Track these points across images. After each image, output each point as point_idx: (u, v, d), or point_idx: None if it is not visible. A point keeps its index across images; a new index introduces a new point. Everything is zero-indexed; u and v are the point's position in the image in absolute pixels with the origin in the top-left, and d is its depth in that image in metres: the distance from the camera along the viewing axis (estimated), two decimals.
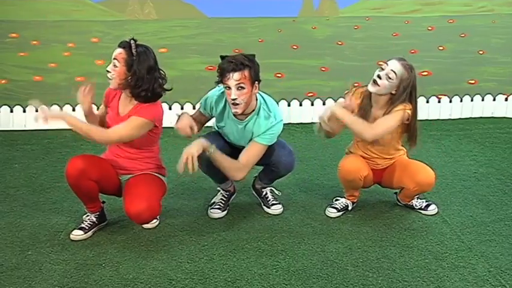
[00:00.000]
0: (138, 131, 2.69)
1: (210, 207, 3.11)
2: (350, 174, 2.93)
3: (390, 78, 2.73)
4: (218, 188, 3.17)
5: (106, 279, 2.43)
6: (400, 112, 2.76)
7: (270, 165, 2.98)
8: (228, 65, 2.64)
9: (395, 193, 3.20)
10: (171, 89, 2.78)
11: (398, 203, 3.19)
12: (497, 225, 2.93)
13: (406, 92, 2.76)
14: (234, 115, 2.82)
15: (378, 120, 2.80)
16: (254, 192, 3.26)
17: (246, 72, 2.65)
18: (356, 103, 2.87)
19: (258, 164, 2.98)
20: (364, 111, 2.86)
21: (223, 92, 2.81)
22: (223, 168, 2.78)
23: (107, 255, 2.64)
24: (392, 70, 2.73)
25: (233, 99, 2.67)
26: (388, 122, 2.77)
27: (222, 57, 2.72)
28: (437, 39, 5.17)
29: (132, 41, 2.70)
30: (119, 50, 2.68)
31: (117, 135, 2.70)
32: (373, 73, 2.81)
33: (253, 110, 2.81)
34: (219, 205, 3.10)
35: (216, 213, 3.07)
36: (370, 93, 2.84)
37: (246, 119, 2.82)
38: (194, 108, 4.98)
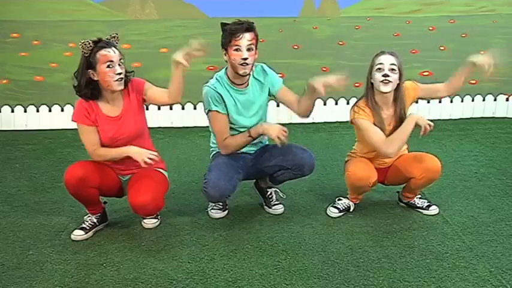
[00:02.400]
0: None
1: (210, 209, 3.10)
2: (360, 181, 2.92)
3: (394, 70, 2.79)
4: None
5: (107, 279, 2.43)
6: (415, 82, 2.98)
7: (292, 169, 2.95)
8: (240, 26, 2.71)
9: (398, 191, 3.20)
10: None
11: (400, 203, 3.19)
12: (498, 226, 2.92)
13: (403, 75, 2.85)
14: (233, 85, 2.86)
15: (434, 85, 3.00)
16: (257, 191, 3.26)
17: (255, 34, 2.76)
18: (368, 112, 2.86)
19: (270, 171, 3.01)
20: (379, 117, 2.87)
21: (215, 82, 2.86)
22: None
23: (108, 255, 2.64)
24: (391, 64, 2.79)
25: (244, 59, 2.73)
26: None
27: (224, 24, 2.77)
28: (438, 39, 5.17)
29: (113, 38, 2.67)
30: (115, 50, 2.62)
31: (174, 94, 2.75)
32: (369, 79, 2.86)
33: (250, 76, 2.90)
34: (218, 206, 3.09)
35: (217, 214, 3.07)
36: (374, 100, 2.86)
37: (248, 86, 2.89)
38: (195, 108, 4.99)
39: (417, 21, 5.15)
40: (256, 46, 2.79)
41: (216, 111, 2.84)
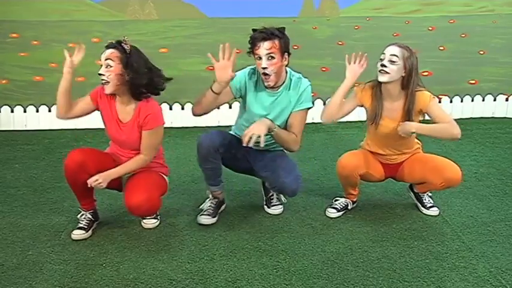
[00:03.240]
0: (162, 138, 2.82)
1: (200, 214, 3.02)
2: (344, 170, 2.93)
3: (394, 62, 2.74)
4: (208, 195, 3.10)
5: (106, 279, 2.43)
6: (434, 99, 2.82)
7: (275, 189, 2.96)
8: (259, 35, 2.70)
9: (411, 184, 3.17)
10: (171, 79, 2.76)
11: (409, 190, 3.17)
12: (497, 226, 2.93)
13: (414, 71, 2.77)
14: (267, 87, 2.84)
15: (442, 115, 2.77)
16: (262, 189, 3.26)
17: (276, 42, 2.72)
18: (368, 95, 2.88)
19: (262, 179, 3.03)
20: (377, 105, 2.85)
21: (252, 71, 2.87)
22: (282, 143, 2.85)
23: (108, 255, 2.64)
24: (392, 54, 2.74)
25: (264, 68, 2.71)
26: (443, 111, 2.85)
27: (254, 30, 2.76)
28: (437, 39, 5.18)
29: (123, 39, 2.66)
30: (110, 50, 2.62)
31: (153, 153, 2.79)
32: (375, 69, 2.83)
33: (284, 82, 2.86)
34: (209, 211, 3.01)
35: (207, 219, 2.97)
36: (380, 87, 2.84)
37: (279, 90, 2.86)
38: None
39: (416, 21, 5.15)
40: (281, 53, 2.73)
41: (229, 87, 2.81)
